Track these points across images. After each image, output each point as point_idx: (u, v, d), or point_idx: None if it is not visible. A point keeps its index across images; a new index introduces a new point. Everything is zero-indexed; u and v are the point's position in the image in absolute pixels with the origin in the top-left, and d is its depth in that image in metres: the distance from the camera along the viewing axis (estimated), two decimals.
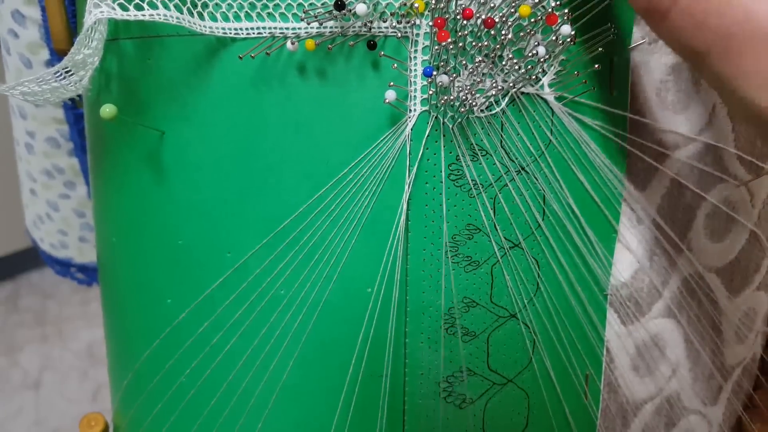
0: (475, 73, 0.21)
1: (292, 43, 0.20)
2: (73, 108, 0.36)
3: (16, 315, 1.20)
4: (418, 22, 0.20)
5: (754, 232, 0.26)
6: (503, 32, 0.20)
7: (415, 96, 0.21)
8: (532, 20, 0.20)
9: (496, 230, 0.22)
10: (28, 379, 1.07)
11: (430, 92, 0.21)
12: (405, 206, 0.22)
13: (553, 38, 0.20)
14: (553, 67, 0.21)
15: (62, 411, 1.01)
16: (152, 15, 0.20)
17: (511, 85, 0.21)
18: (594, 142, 0.22)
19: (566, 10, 0.20)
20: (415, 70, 0.21)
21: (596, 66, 0.21)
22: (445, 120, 0.21)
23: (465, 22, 0.19)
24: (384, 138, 0.21)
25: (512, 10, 0.20)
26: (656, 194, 0.24)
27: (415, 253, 0.22)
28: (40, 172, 0.42)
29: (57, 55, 0.34)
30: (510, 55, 0.21)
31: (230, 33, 0.21)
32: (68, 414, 1.00)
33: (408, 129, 0.21)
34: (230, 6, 0.21)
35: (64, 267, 0.48)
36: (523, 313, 0.23)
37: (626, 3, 0.21)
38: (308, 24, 0.20)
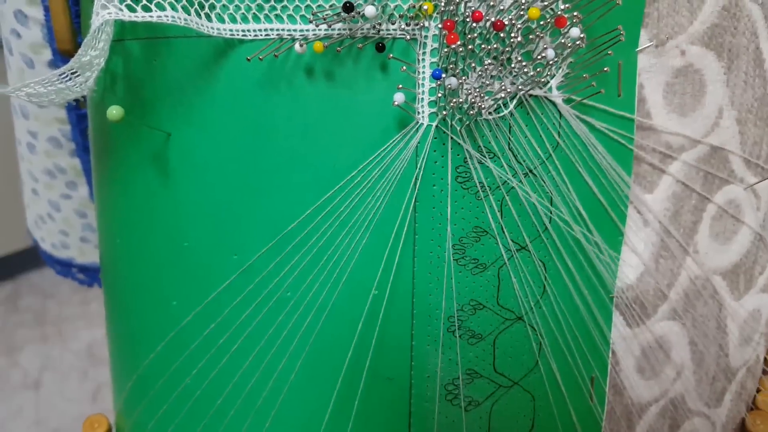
0: (483, 75, 0.21)
1: (301, 45, 0.20)
2: (76, 108, 0.36)
3: (16, 315, 1.20)
4: (426, 24, 0.20)
5: (759, 234, 0.26)
6: (512, 35, 0.20)
7: (423, 98, 0.21)
8: (541, 23, 0.20)
9: (503, 233, 0.22)
10: (28, 379, 1.06)
11: (439, 95, 0.21)
12: (412, 208, 0.22)
13: (562, 41, 0.20)
14: (561, 70, 0.21)
15: (62, 411, 1.00)
16: (160, 16, 0.20)
17: (519, 87, 0.21)
18: (601, 145, 0.22)
19: (575, 13, 0.20)
20: (424, 72, 0.21)
21: (605, 69, 0.21)
22: (453, 122, 0.21)
23: (474, 24, 0.19)
24: (392, 141, 0.21)
25: (521, 13, 0.20)
26: (662, 197, 0.24)
27: (422, 255, 0.22)
28: (42, 172, 0.41)
29: (60, 55, 0.34)
30: (519, 58, 0.21)
31: (238, 35, 0.21)
32: (68, 414, 1.00)
33: (416, 132, 0.21)
34: (238, 8, 0.21)
35: (65, 267, 0.48)
36: (529, 316, 0.23)
37: (634, 6, 0.21)
38: (317, 26, 0.20)
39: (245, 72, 0.21)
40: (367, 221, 0.22)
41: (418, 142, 0.21)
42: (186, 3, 0.20)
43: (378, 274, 0.22)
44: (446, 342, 0.23)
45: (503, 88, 0.21)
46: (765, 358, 0.29)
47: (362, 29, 0.20)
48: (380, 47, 0.20)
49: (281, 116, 0.22)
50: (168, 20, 0.20)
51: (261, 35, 0.21)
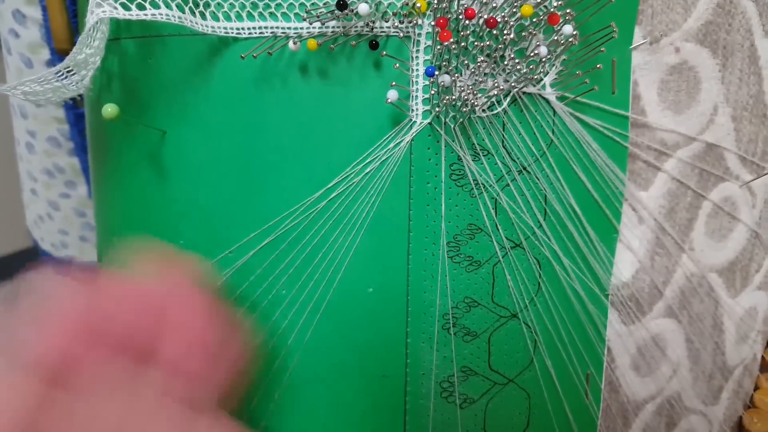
0: (477, 72, 0.21)
1: (294, 43, 0.21)
2: (74, 108, 0.36)
3: None
4: (420, 21, 0.20)
5: (755, 232, 0.26)
6: (505, 32, 0.20)
7: (417, 96, 0.21)
8: (534, 20, 0.20)
9: (498, 230, 0.22)
10: None
11: (432, 92, 0.21)
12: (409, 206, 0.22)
13: (555, 38, 0.21)
14: (554, 67, 0.21)
15: None
16: (154, 14, 0.20)
17: (512, 84, 0.21)
18: (595, 142, 0.22)
19: (568, 10, 0.20)
20: (417, 69, 0.21)
21: (598, 66, 0.21)
22: (447, 120, 0.21)
23: (467, 21, 0.20)
24: (386, 138, 0.21)
25: (514, 10, 0.20)
26: (657, 194, 0.24)
27: (417, 253, 0.22)
28: (41, 172, 0.42)
29: (58, 54, 0.34)
30: (512, 55, 0.21)
31: (232, 33, 0.21)
32: None
33: (410, 129, 0.21)
34: (232, 5, 0.21)
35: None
36: (524, 313, 0.23)
37: (628, 3, 0.21)
38: (310, 24, 0.20)
39: (239, 70, 0.22)
40: (362, 219, 0.22)
41: (412, 140, 0.21)
42: (180, 1, 0.20)
43: (372, 271, 0.22)
44: (441, 339, 0.23)
45: (496, 85, 0.21)
46: (762, 356, 0.29)
47: (356, 27, 0.20)
48: (374, 45, 0.20)
49: (275, 114, 0.22)
50: (162, 18, 0.20)
51: (255, 33, 0.21)
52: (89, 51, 0.21)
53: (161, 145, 0.23)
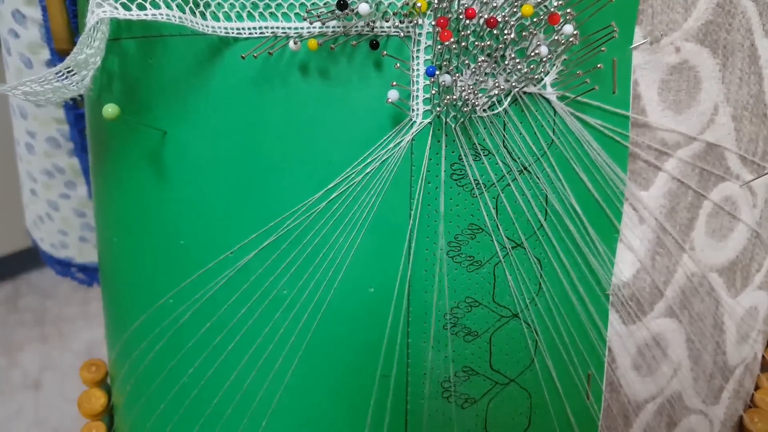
0: (477, 72, 0.21)
1: (295, 43, 0.21)
2: (74, 108, 0.36)
3: (16, 315, 1.20)
4: (420, 21, 0.20)
5: (755, 231, 0.26)
6: (506, 32, 0.20)
7: (417, 96, 0.21)
8: (535, 20, 0.20)
9: (499, 230, 0.22)
10: (28, 379, 1.07)
11: (433, 92, 0.21)
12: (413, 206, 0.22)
13: (556, 38, 0.21)
14: (555, 67, 0.21)
15: (62, 411, 1.01)
16: (155, 15, 0.20)
17: (513, 84, 0.21)
18: (596, 142, 0.22)
19: (569, 10, 0.20)
20: (418, 69, 0.21)
21: (598, 66, 0.21)
22: (448, 120, 0.21)
23: (468, 21, 0.20)
24: (387, 138, 0.21)
25: (515, 10, 0.20)
26: (658, 194, 0.24)
27: (418, 253, 0.22)
28: (41, 172, 0.42)
29: (58, 54, 0.34)
30: (512, 55, 0.21)
31: (233, 33, 0.21)
32: (68, 414, 1.00)
33: (411, 129, 0.21)
34: (233, 6, 0.21)
35: (64, 267, 0.48)
36: (525, 313, 0.23)
37: (628, 3, 0.22)
38: (311, 24, 0.20)
39: (240, 70, 0.22)
40: (362, 219, 0.22)
41: (413, 139, 0.21)
42: (181, 1, 0.20)
43: (373, 272, 0.22)
44: (442, 339, 0.23)
45: (497, 85, 0.21)
46: (763, 356, 0.29)
47: (356, 27, 0.20)
48: (374, 44, 0.20)
49: (276, 114, 0.22)
50: (163, 18, 0.20)
51: (255, 33, 0.21)
52: (90, 51, 0.21)
53: (161, 146, 0.23)
